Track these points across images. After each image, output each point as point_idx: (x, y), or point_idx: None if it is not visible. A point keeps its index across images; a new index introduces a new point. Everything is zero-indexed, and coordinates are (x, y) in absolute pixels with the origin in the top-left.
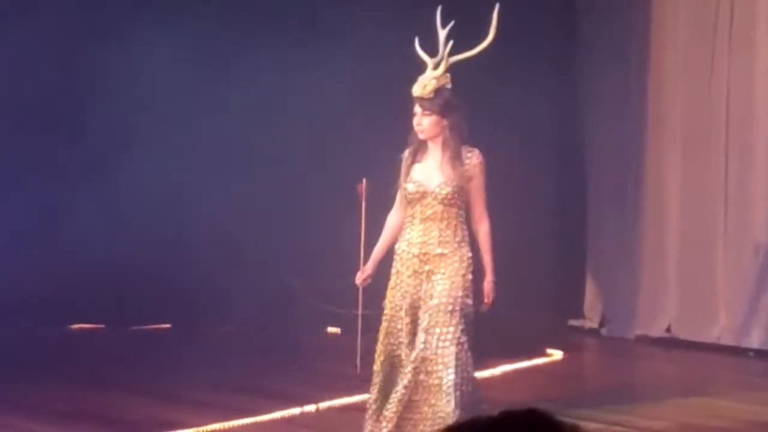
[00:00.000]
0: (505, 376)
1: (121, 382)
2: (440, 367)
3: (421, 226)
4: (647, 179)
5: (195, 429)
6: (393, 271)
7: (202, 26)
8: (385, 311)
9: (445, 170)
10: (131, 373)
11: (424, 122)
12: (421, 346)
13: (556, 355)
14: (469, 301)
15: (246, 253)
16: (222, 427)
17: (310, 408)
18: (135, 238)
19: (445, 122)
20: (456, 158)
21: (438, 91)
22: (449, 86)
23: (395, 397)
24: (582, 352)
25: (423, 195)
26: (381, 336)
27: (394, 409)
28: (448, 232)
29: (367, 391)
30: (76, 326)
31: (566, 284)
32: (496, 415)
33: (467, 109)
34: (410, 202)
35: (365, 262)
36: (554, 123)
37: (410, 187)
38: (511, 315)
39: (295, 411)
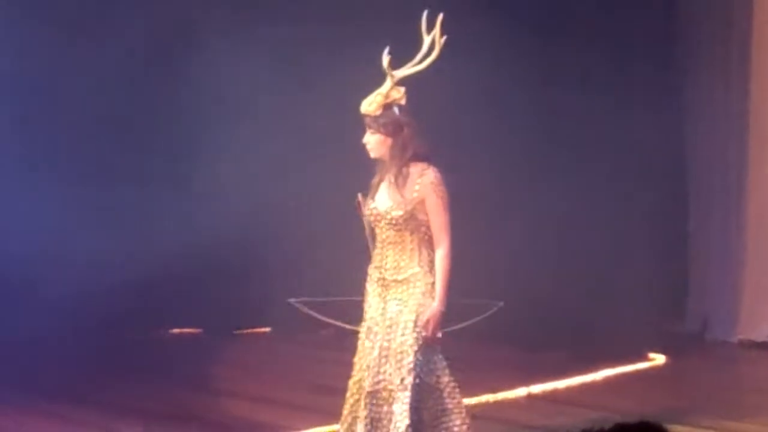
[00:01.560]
0: (607, 381)
1: (220, 385)
2: (390, 397)
3: (380, 250)
4: (750, 182)
5: None
6: (365, 291)
7: (277, 34)
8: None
9: (392, 193)
10: (230, 376)
11: (370, 140)
12: (372, 377)
13: (658, 359)
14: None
15: (339, 254)
16: (321, 431)
17: None
18: (230, 243)
19: (390, 141)
20: (401, 180)
21: (386, 107)
22: (402, 102)
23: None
24: (684, 357)
25: (377, 218)
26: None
27: None
28: (404, 257)
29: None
30: (175, 331)
31: (668, 288)
32: (609, 428)
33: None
34: (371, 224)
35: None
36: (652, 127)
37: (368, 210)
38: (613, 319)
39: None
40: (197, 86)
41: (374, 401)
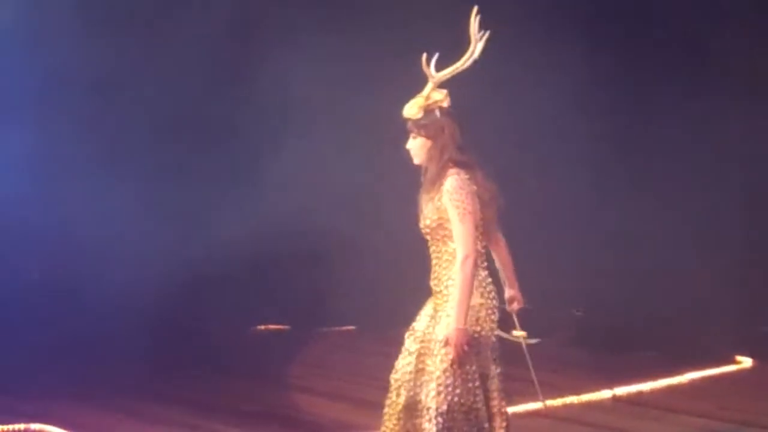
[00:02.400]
0: (693, 384)
1: (305, 383)
2: (425, 411)
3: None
4: None
5: None
6: None
7: (346, 34)
8: None
9: (427, 201)
10: (316, 374)
11: (413, 146)
12: (407, 391)
13: (746, 362)
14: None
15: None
16: None
17: None
18: (317, 238)
19: (430, 144)
20: (434, 186)
21: (427, 110)
22: (444, 104)
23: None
24: None
25: (421, 228)
26: None
27: None
28: (441, 268)
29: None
30: (261, 327)
31: (756, 290)
32: None
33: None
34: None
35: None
36: (741, 124)
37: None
38: (700, 322)
39: None
40: (269, 87)
41: (409, 414)
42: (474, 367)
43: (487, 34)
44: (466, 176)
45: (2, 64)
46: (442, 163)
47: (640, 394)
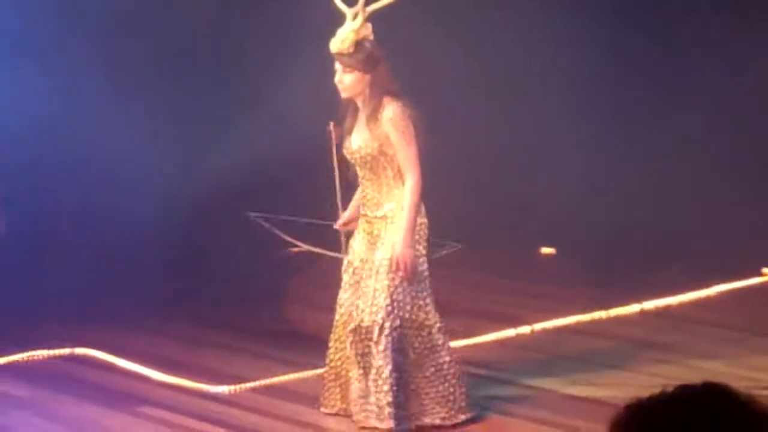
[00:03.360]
0: (720, 297)
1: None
2: (376, 330)
3: (362, 188)
4: None
5: None
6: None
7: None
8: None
9: (362, 131)
10: None
11: (345, 80)
12: (351, 315)
13: None
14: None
15: None
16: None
17: (525, 330)
18: None
19: (368, 77)
20: (374, 116)
21: (358, 44)
22: (371, 38)
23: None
24: None
25: (353, 157)
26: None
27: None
28: (381, 194)
29: (578, 312)
30: (293, 250)
31: None
32: (673, 390)
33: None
34: (353, 163)
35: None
36: None
37: (345, 150)
38: (727, 235)
39: (510, 332)
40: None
41: (358, 338)
42: (423, 285)
43: None
44: (403, 104)
45: None
46: (382, 94)
47: (667, 307)
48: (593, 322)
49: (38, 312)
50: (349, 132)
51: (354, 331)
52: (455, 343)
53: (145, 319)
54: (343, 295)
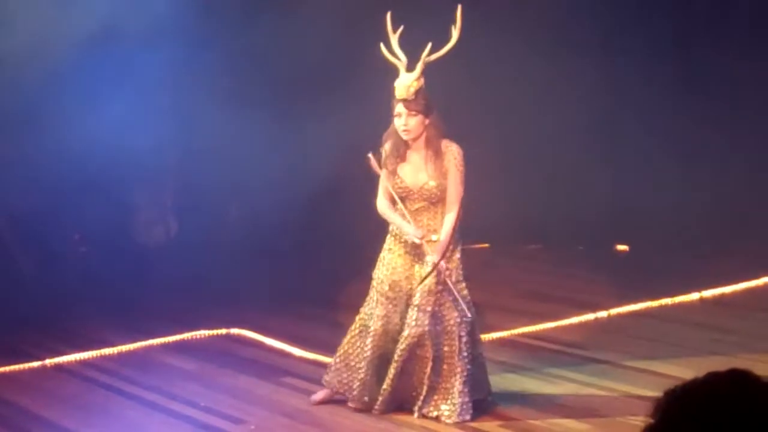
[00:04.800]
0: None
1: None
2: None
3: (412, 218)
4: None
5: (507, 332)
6: (385, 247)
7: None
8: (373, 283)
9: (428, 168)
10: None
11: (410, 123)
12: (413, 323)
13: None
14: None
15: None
16: (525, 332)
17: (603, 314)
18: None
19: (427, 121)
20: (438, 155)
21: (419, 91)
22: (423, 86)
23: (391, 370)
24: None
25: (409, 193)
26: (363, 306)
27: (390, 382)
28: (436, 222)
29: (648, 299)
30: None
31: None
32: (703, 376)
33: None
34: (398, 197)
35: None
36: None
37: (398, 183)
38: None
39: (590, 316)
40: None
41: (415, 345)
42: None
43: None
44: (459, 147)
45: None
46: (439, 136)
47: (723, 295)
48: (661, 307)
49: (201, 299)
50: (393, 169)
51: (415, 335)
52: (540, 326)
53: (287, 303)
54: (381, 310)
